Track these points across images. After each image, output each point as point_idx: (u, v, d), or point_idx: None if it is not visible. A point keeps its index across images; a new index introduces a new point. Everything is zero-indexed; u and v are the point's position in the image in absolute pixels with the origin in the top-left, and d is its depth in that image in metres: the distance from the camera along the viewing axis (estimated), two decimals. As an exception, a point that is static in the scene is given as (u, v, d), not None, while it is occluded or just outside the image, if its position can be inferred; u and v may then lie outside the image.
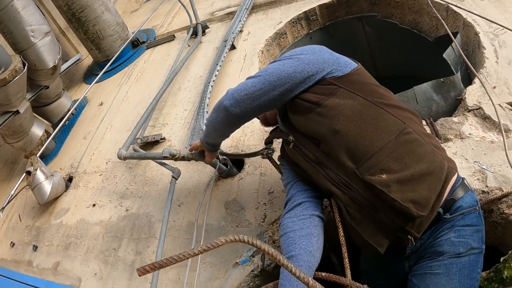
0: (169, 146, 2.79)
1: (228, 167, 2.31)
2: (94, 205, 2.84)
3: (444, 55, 2.44)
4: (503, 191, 1.76)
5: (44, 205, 3.19)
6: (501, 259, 1.53)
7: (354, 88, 1.44)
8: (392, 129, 1.39)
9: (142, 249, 2.32)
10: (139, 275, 0.89)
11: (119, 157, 2.44)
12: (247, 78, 1.52)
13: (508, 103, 2.07)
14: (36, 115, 3.78)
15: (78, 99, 4.24)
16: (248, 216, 2.13)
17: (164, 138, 2.87)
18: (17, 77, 3.08)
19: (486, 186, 1.78)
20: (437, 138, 1.56)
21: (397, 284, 1.63)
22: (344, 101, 1.42)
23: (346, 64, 1.50)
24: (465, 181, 1.47)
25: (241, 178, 2.33)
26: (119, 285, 2.27)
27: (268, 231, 2.04)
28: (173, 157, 2.05)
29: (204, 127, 2.59)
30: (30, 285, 2.89)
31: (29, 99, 3.47)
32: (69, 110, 4.07)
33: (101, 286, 2.35)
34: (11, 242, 3.26)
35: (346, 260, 1.51)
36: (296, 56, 1.48)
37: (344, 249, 1.55)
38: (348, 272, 1.47)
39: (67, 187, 3.23)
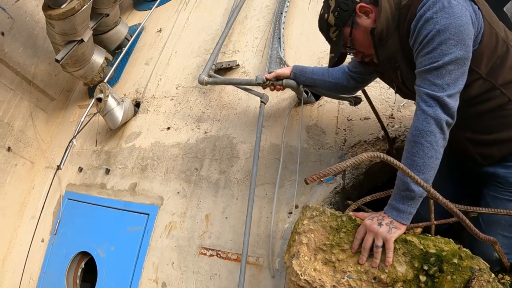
0: (243, 72, 2.85)
1: (309, 94, 2.37)
2: (168, 128, 2.96)
3: (504, 9, 2.44)
4: None
5: (113, 130, 3.34)
6: None
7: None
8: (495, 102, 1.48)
9: (226, 168, 2.46)
10: (308, 183, 1.02)
11: (201, 83, 2.50)
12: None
13: None
14: (96, 44, 3.84)
15: (134, 26, 4.28)
16: (329, 140, 2.22)
17: (238, 65, 2.91)
18: (85, 6, 3.11)
19: None
20: None
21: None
22: None
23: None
24: None
25: (320, 105, 2.39)
26: (204, 202, 2.43)
27: (349, 154, 2.14)
28: (264, 83, 2.12)
29: (282, 56, 2.63)
30: (106, 207, 3.07)
31: (91, 28, 3.52)
32: (126, 38, 4.14)
33: (186, 204, 2.51)
34: (79, 167, 3.45)
35: None
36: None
37: None
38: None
39: (135, 112, 3.35)
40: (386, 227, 1.37)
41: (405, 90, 1.61)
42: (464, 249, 1.46)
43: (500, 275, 1.62)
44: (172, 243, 2.48)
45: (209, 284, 2.24)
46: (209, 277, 2.25)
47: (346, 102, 2.21)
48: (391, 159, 1.17)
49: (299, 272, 1.53)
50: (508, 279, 1.61)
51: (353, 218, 1.51)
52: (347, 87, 1.96)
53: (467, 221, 1.22)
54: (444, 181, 1.79)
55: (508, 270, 1.72)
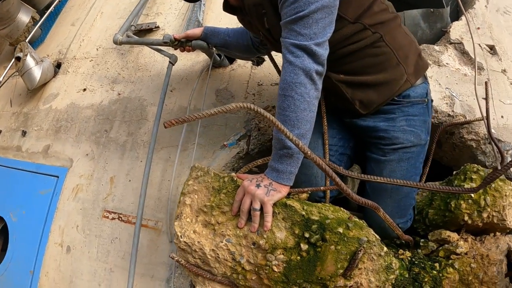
0: (162, 35, 2.74)
1: (222, 57, 2.32)
2: (84, 89, 2.85)
3: None
4: (466, 118, 1.98)
5: (32, 90, 3.20)
6: (454, 172, 1.74)
7: None
8: (366, 41, 1.47)
9: (134, 131, 2.40)
10: (166, 127, 0.97)
11: (115, 42, 2.43)
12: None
13: (487, 45, 2.27)
14: (22, 2, 3.65)
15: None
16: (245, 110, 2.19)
17: (158, 27, 2.83)
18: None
19: (452, 111, 2.00)
20: (417, 45, 1.64)
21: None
22: None
23: None
24: (425, 73, 1.64)
25: (233, 69, 2.36)
26: (111, 164, 2.37)
27: (255, 119, 2.13)
28: (173, 43, 2.05)
29: (201, 19, 2.57)
30: (20, 169, 2.95)
31: (17, -16, 3.33)
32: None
33: (93, 166, 2.44)
34: (-2, 130, 3.29)
35: (326, 146, 1.69)
36: None
37: (326, 136, 1.69)
38: (327, 156, 1.67)
39: (55, 73, 3.21)
40: (264, 189, 1.31)
41: (271, 39, 1.56)
42: (355, 219, 1.44)
43: (400, 251, 1.62)
44: (78, 206, 2.40)
45: (110, 248, 2.19)
46: (110, 240, 2.20)
47: (260, 67, 2.19)
48: (263, 111, 1.10)
49: (179, 234, 1.49)
50: (408, 255, 1.60)
51: (235, 179, 1.46)
52: (257, 49, 1.93)
53: (342, 184, 1.18)
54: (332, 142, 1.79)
55: (410, 245, 1.74)
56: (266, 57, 2.02)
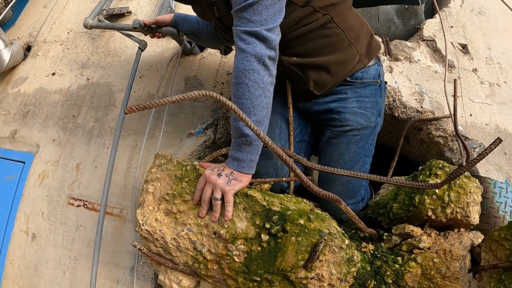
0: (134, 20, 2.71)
1: (192, 45, 2.30)
2: (53, 74, 2.78)
3: None
4: (434, 114, 2.00)
5: (0, 74, 3.11)
6: (420, 168, 1.74)
7: None
8: (317, 23, 1.48)
9: (101, 117, 2.35)
10: (126, 113, 0.95)
11: (85, 26, 2.38)
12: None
13: (460, 44, 2.30)
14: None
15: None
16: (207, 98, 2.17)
17: (130, 12, 2.76)
18: None
19: (421, 107, 2.03)
20: (369, 26, 1.65)
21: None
22: None
23: None
24: (378, 55, 1.67)
25: (203, 57, 2.34)
26: (77, 150, 2.32)
27: (223, 108, 2.12)
28: (143, 29, 2.01)
29: (173, 6, 2.52)
30: (-15, 155, 2.89)
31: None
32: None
33: (60, 152, 2.39)
34: (-36, 114, 3.19)
35: (291, 137, 1.69)
36: None
37: (291, 127, 1.69)
38: (292, 146, 1.67)
39: (25, 56, 3.12)
40: (225, 178, 1.29)
41: (223, 28, 1.56)
42: (317, 210, 1.43)
43: (363, 244, 1.63)
44: (43, 193, 2.35)
45: (75, 236, 2.14)
46: (75, 228, 2.15)
47: (229, 55, 2.16)
48: (223, 98, 1.08)
49: (141, 222, 1.46)
50: (371, 248, 1.61)
51: (197, 168, 1.44)
52: (226, 38, 1.91)
53: (302, 175, 1.15)
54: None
55: (374, 238, 1.74)
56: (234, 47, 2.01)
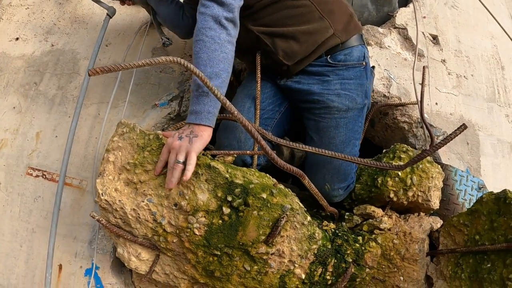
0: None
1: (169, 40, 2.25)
2: (17, 38, 2.66)
3: None
4: (401, 100, 2.04)
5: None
6: (383, 151, 1.79)
7: None
8: None
9: (64, 84, 2.27)
10: (90, 75, 0.92)
11: (51, -11, 2.28)
12: None
13: (431, 34, 2.34)
14: None
15: None
16: (172, 64, 2.13)
17: (100, -23, 2.66)
18: None
19: (388, 92, 2.06)
20: (348, 6, 1.70)
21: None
22: None
23: None
24: (362, 36, 1.71)
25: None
26: (38, 118, 2.24)
27: (190, 80, 2.10)
28: None
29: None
30: None
31: None
32: None
33: (20, 119, 2.29)
34: None
35: (258, 111, 1.68)
36: None
37: (257, 101, 1.68)
38: (257, 121, 1.68)
39: (-13, 19, 2.99)
40: (186, 139, 1.26)
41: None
42: (280, 186, 1.42)
43: (325, 222, 1.63)
44: (1, 162, 2.25)
45: (32, 207, 2.07)
46: (33, 199, 2.08)
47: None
48: (186, 62, 1.07)
49: (100, 192, 1.41)
50: (332, 226, 1.61)
51: (160, 137, 1.39)
52: (182, 18, 1.94)
53: (267, 147, 1.13)
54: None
55: (335, 217, 1.75)
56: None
